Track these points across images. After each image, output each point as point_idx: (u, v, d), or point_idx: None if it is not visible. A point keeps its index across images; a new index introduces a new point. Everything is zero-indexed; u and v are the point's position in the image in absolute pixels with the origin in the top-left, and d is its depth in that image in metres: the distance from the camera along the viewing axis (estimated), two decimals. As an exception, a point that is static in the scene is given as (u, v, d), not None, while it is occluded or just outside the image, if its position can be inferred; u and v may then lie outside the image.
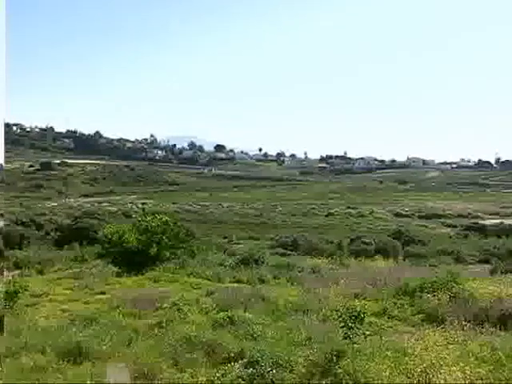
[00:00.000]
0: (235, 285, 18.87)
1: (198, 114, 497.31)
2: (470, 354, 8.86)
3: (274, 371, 8.48)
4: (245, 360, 9.06)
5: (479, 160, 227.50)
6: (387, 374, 7.89)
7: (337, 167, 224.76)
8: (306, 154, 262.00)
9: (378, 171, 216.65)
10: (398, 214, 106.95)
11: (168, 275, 21.06)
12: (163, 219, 26.24)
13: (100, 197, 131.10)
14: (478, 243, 75.18)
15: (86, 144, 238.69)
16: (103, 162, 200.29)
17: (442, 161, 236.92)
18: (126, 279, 20.56)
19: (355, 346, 9.15)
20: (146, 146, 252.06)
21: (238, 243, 55.58)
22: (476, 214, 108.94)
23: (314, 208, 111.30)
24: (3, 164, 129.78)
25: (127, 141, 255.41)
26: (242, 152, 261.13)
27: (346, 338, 9.46)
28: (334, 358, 8.64)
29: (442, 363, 8.05)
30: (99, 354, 9.85)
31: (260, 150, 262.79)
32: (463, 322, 11.16)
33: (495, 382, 7.80)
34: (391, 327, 12.00)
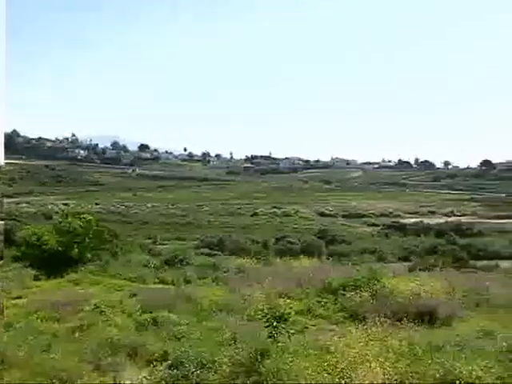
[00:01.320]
0: (160, 286, 18.65)
1: (122, 113, 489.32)
2: (390, 350, 9.09)
3: (199, 372, 8.43)
4: (169, 361, 8.96)
5: (399, 160, 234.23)
6: (310, 371, 7.99)
7: (262, 167, 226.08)
8: (231, 154, 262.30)
9: (302, 171, 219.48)
10: (322, 214, 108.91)
11: (90, 277, 20.53)
12: (86, 219, 25.59)
13: (18, 197, 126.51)
14: (398, 242, 77.59)
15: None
16: (21, 161, 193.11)
17: (364, 161, 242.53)
18: (45, 282, 19.88)
19: (279, 344, 9.21)
20: (67, 146, 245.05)
21: (163, 244, 55.08)
22: (397, 213, 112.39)
23: (239, 208, 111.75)
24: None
25: (47, 140, 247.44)
26: (166, 152, 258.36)
27: (270, 337, 9.50)
28: (259, 357, 8.66)
29: (362, 360, 8.24)
30: (15, 361, 9.39)
31: (185, 149, 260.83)
32: (384, 319, 11.42)
33: (413, 375, 8.03)
34: (315, 325, 12.18)
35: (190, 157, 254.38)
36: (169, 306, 13.79)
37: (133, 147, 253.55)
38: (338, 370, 8.02)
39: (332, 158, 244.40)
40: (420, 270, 27.01)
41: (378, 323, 11.07)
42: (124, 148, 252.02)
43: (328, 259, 35.56)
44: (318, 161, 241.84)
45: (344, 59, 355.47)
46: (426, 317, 12.54)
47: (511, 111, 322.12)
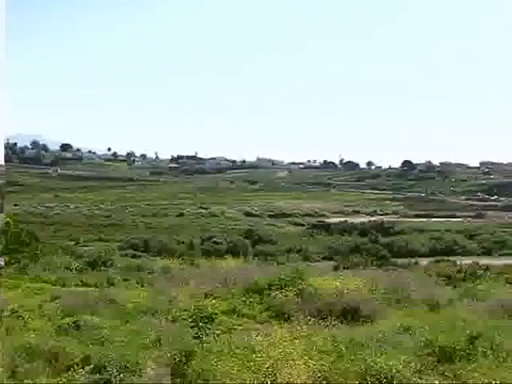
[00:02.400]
0: (82, 289, 18.16)
1: (42, 111, 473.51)
2: (314, 348, 9.21)
3: (122, 375, 8.24)
4: (91, 366, 8.72)
5: (324, 161, 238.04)
6: (235, 371, 7.98)
7: (188, 167, 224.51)
8: (156, 154, 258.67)
9: (228, 171, 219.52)
10: (248, 214, 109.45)
11: (7, 281, 19.73)
12: (4, 220, 24.67)
13: None
14: (323, 241, 79.16)
15: None
16: None
17: (290, 161, 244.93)
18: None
19: (205, 345, 9.15)
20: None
21: (86, 245, 53.84)
22: (322, 213, 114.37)
23: (165, 208, 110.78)
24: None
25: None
26: (89, 151, 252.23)
27: (196, 338, 9.43)
28: (184, 358, 8.58)
29: (287, 358, 8.30)
30: None
31: (109, 149, 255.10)
32: (308, 317, 11.57)
33: (336, 372, 8.17)
34: (241, 325, 12.15)
35: (115, 157, 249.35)
36: (91, 309, 13.43)
37: (54, 147, 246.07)
38: (264, 369, 8.04)
39: (258, 159, 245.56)
40: (344, 268, 27.66)
41: (303, 321, 11.20)
42: (44, 147, 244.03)
43: (254, 259, 35.74)
44: (244, 161, 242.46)
45: (270, 57, 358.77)
46: (350, 314, 12.80)
47: (429, 113, 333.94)
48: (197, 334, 9.49)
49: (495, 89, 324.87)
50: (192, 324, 9.73)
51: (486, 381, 8.03)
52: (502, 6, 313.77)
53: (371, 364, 8.21)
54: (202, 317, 9.74)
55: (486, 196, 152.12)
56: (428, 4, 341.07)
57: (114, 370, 8.27)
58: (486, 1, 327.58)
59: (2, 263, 23.56)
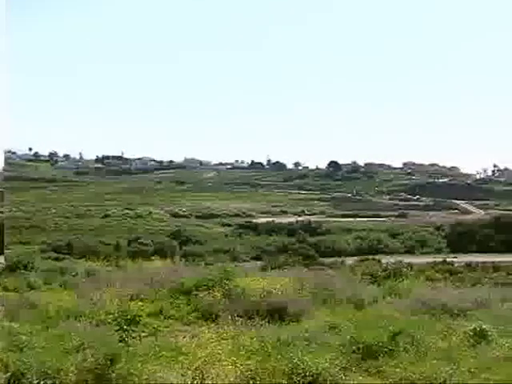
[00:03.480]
0: (0, 293, 17.45)
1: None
2: (242, 348, 9.23)
3: (42, 382, 7.95)
4: (8, 373, 8.36)
5: (252, 161, 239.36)
6: (162, 374, 7.88)
7: (114, 168, 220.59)
8: (81, 154, 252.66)
9: (155, 172, 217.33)
10: (176, 215, 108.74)
11: None
12: None
13: None
14: (251, 241, 79.61)
15: None
16: None
17: (217, 162, 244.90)
18: None
19: (130, 348, 8.97)
20: None
21: (6, 248, 51.90)
22: (250, 213, 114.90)
23: (89, 210, 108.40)
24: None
25: None
26: (9, 151, 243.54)
27: (121, 342, 9.22)
28: (108, 362, 8.37)
29: (215, 359, 8.28)
30: None
31: (30, 149, 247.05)
32: (236, 317, 11.59)
33: (263, 371, 8.19)
34: (167, 327, 12.00)
35: (36, 157, 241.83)
36: (10, 314, 12.92)
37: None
38: (191, 370, 7.98)
39: (186, 159, 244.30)
40: (272, 268, 27.82)
41: (231, 322, 11.21)
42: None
43: (182, 260, 35.51)
44: (171, 161, 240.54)
45: (196, 54, 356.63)
46: (277, 314, 12.87)
47: (354, 114, 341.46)
48: (121, 337, 9.27)
49: (416, 90, 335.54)
50: (117, 327, 9.51)
51: (407, 375, 8.31)
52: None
53: (298, 363, 8.29)
54: (126, 319, 9.53)
55: (409, 196, 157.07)
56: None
57: (34, 377, 7.97)
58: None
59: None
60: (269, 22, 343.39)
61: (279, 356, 8.77)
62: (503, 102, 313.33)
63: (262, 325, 11.42)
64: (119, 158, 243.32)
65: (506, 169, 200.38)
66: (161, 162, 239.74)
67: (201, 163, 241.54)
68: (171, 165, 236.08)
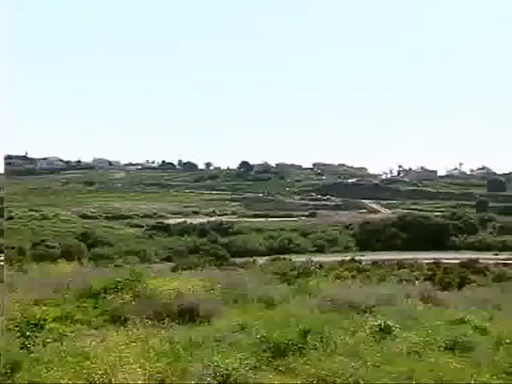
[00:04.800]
0: None
1: None
2: (151, 350, 9.08)
3: None
4: None
5: (163, 161, 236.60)
6: (67, 380, 7.63)
7: (17, 168, 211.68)
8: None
9: (62, 172, 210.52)
10: (84, 216, 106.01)
11: None
12: None
13: None
14: (162, 242, 78.88)
15: None
16: None
17: (127, 162, 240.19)
18: None
19: (33, 355, 8.63)
20: None
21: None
22: (161, 214, 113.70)
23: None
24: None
25: None
26: None
27: (22, 348, 8.85)
28: (9, 370, 8.01)
29: (123, 362, 8.11)
30: None
31: None
32: (146, 320, 11.41)
33: (173, 373, 8.12)
34: (73, 332, 11.63)
35: None
36: None
37: None
38: (98, 375, 7.77)
39: (94, 159, 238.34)
40: (183, 269, 27.68)
41: (140, 324, 11.02)
42: None
43: (90, 262, 34.60)
44: (79, 161, 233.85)
45: (103, 54, 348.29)
46: (188, 315, 12.77)
47: (263, 114, 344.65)
48: (23, 343, 8.89)
49: (324, 91, 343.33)
50: (19, 333, 9.11)
51: (316, 371, 8.46)
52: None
53: (208, 363, 8.28)
54: (29, 325, 9.14)
55: (319, 196, 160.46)
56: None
57: None
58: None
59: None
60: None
61: (189, 357, 8.76)
62: (404, 104, 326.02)
63: (172, 326, 11.31)
64: (23, 157, 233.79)
65: (410, 169, 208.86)
66: (68, 162, 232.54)
67: (110, 163, 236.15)
68: (79, 165, 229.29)
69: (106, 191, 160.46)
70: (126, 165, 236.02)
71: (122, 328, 10.89)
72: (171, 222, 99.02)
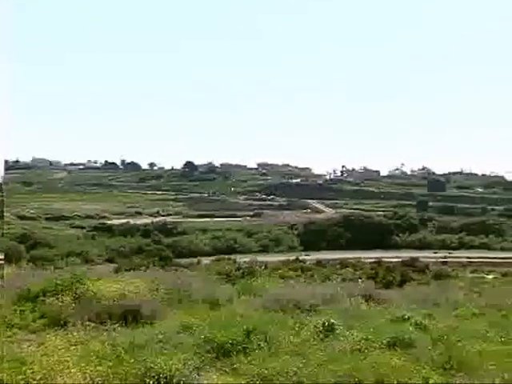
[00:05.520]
0: None
1: None
2: (92, 353, 8.88)
3: None
4: None
5: (106, 161, 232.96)
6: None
7: None
8: None
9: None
10: (23, 217, 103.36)
11: None
12: None
13: None
14: (105, 243, 77.61)
15: None
16: None
17: (68, 162, 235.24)
18: None
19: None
20: None
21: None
22: (103, 215, 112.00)
23: None
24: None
25: None
26: None
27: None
28: None
29: (62, 367, 7.89)
30: None
31: None
32: (87, 322, 11.15)
33: (115, 376, 7.96)
34: (10, 337, 11.26)
35: None
36: None
37: None
38: (35, 381, 7.54)
39: (34, 159, 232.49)
40: (126, 270, 27.21)
41: (81, 327, 10.77)
42: None
43: (29, 264, 33.71)
44: (17, 161, 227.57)
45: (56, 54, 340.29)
46: (131, 317, 12.57)
47: (208, 116, 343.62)
48: (-45, 350, 8.55)
49: (265, 92, 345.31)
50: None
51: (260, 371, 8.46)
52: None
53: (151, 365, 8.17)
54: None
55: (264, 196, 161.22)
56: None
57: None
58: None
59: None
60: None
61: (132, 360, 8.59)
62: (347, 105, 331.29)
63: (114, 329, 11.08)
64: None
65: (353, 169, 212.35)
66: (6, 162, 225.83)
67: (50, 163, 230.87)
68: (18, 164, 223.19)
69: (45, 191, 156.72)
70: (67, 165, 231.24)
71: (61, 331, 10.60)
72: (114, 222, 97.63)
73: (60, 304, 12.95)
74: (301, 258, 60.27)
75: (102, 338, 10.22)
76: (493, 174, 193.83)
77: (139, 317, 12.74)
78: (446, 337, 11.23)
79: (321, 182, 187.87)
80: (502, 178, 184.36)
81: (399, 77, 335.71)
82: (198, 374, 8.31)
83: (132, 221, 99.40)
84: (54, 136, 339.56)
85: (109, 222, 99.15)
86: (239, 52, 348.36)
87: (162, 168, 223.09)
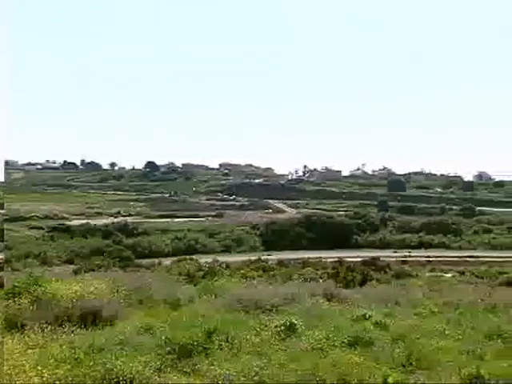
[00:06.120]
0: None
1: None
2: (50, 357, 8.72)
3: None
4: None
5: (65, 161, 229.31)
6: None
7: None
8: None
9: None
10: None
11: None
12: None
13: None
14: (64, 244, 76.36)
15: None
16: None
17: (26, 162, 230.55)
18: None
19: None
20: None
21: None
22: (62, 216, 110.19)
23: None
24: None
25: None
26: None
27: None
28: None
29: (18, 370, 7.73)
30: None
31: None
32: (45, 325, 10.94)
33: (73, 379, 7.84)
34: (-36, 341, 11.01)
35: None
36: None
37: None
38: (-9, 385, 7.37)
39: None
40: (86, 271, 26.89)
41: (39, 330, 10.57)
42: None
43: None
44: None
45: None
46: (90, 318, 12.39)
47: (170, 116, 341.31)
48: None
49: (228, 93, 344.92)
50: None
51: (222, 372, 8.44)
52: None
53: (111, 367, 8.10)
54: None
55: (226, 196, 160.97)
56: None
57: None
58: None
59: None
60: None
61: (91, 362, 8.51)
62: (309, 106, 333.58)
63: (73, 331, 10.92)
64: None
65: (315, 170, 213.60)
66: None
67: (7, 163, 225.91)
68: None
69: (3, 192, 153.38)
70: (24, 165, 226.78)
71: (18, 335, 10.38)
72: (74, 223, 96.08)
73: (17, 307, 12.69)
74: (263, 258, 60.32)
75: (61, 340, 10.07)
76: (451, 175, 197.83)
77: (99, 318, 12.57)
78: (405, 335, 11.40)
79: (283, 182, 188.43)
80: (460, 178, 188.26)
81: (360, 77, 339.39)
82: (158, 376, 8.25)
83: (92, 221, 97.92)
84: (10, 135, 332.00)
85: (68, 222, 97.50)
86: (198, 50, 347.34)
87: (123, 168, 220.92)
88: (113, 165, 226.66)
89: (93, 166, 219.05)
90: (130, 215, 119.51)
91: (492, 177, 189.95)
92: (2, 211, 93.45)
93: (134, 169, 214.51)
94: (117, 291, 15.42)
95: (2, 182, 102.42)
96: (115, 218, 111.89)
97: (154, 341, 10.09)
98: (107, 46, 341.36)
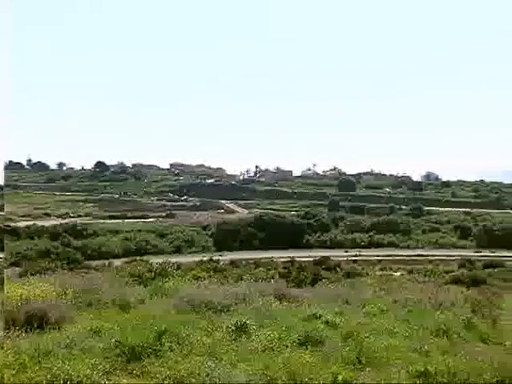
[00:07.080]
0: None
1: None
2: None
3: None
4: None
5: (10, 161, 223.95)
6: None
7: None
8: None
9: None
10: None
11: None
12: None
13: None
14: (10, 246, 74.42)
15: None
16: None
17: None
18: None
19: None
20: None
21: None
22: (8, 217, 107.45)
23: None
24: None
25: None
26: None
27: None
28: None
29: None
30: None
31: None
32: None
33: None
34: None
35: None
36: None
37: None
38: None
39: None
40: (32, 274, 26.24)
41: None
42: None
43: None
44: None
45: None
46: (36, 322, 12.09)
47: (121, 115, 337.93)
48: None
49: (180, 93, 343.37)
50: None
51: (172, 373, 8.41)
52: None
53: (58, 372, 7.93)
54: None
55: (176, 196, 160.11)
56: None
57: None
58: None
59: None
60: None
61: (37, 367, 8.32)
62: (260, 106, 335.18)
63: (18, 335, 10.63)
64: None
65: (266, 170, 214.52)
66: None
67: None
68: None
69: None
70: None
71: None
72: (20, 224, 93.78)
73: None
74: (215, 258, 60.13)
75: (6, 345, 9.78)
76: (400, 175, 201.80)
77: (45, 322, 12.27)
78: (355, 333, 11.53)
79: (234, 182, 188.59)
80: (409, 178, 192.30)
81: (309, 77, 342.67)
82: (107, 379, 8.12)
83: (39, 223, 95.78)
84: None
85: (14, 224, 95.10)
86: (151, 50, 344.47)
87: (72, 168, 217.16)
88: (61, 165, 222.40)
89: (40, 166, 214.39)
90: (79, 216, 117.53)
91: (439, 177, 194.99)
92: None
93: (83, 169, 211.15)
94: (64, 293, 15.15)
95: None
96: (63, 219, 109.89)
97: (103, 343, 9.92)
98: (50, 42, 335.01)
